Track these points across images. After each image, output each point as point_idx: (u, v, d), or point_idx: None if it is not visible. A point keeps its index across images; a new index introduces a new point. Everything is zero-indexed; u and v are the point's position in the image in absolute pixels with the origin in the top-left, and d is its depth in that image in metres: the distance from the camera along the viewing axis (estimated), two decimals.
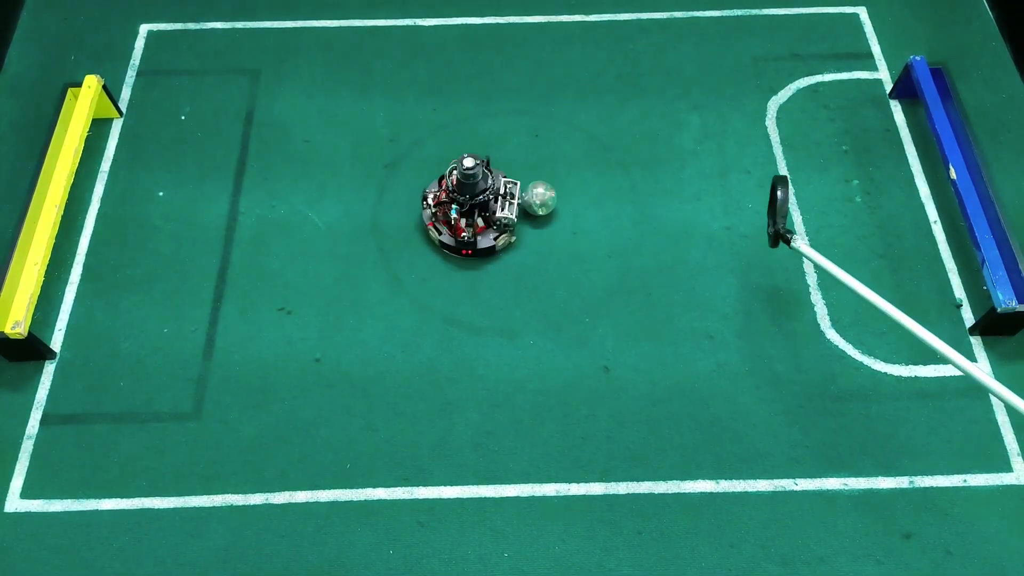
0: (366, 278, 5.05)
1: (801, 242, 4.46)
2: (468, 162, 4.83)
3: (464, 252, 5.02)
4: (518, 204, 5.05)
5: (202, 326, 4.87)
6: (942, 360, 4.74)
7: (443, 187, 5.03)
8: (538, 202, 5.13)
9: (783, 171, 5.41)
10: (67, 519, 4.31)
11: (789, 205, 4.79)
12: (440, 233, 5.02)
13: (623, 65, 5.92)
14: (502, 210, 4.99)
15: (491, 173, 5.03)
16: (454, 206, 4.95)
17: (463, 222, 4.96)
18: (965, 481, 4.39)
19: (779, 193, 4.53)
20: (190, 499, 4.35)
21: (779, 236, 4.54)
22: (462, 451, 4.48)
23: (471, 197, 4.92)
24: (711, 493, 4.37)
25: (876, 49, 5.96)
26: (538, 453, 4.47)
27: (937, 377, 4.69)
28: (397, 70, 5.91)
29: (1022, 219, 5.16)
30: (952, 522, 4.27)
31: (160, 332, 4.85)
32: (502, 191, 5.05)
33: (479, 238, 5.00)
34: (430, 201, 5.06)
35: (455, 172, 4.92)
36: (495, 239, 5.03)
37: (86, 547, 4.23)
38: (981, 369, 4.47)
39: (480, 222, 4.99)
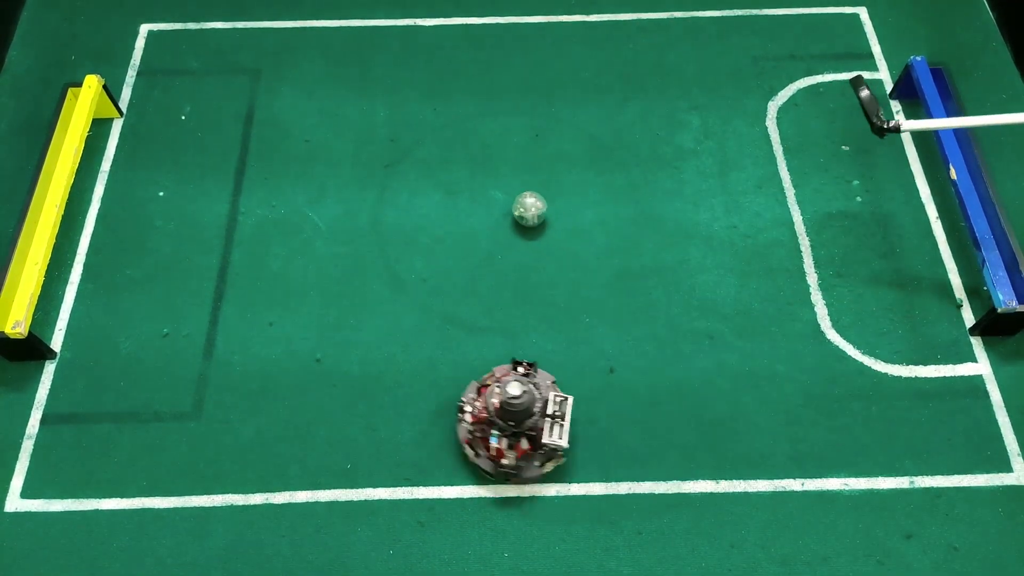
0: (366, 278, 5.04)
1: (908, 123, 4.52)
2: (513, 389, 4.00)
3: (504, 479, 4.34)
4: (568, 424, 4.22)
5: (202, 326, 4.87)
6: (943, 360, 4.75)
7: (482, 403, 4.24)
8: (529, 214, 5.03)
9: (783, 171, 5.41)
10: (67, 519, 4.31)
11: (863, 109, 4.61)
12: (477, 455, 4.29)
13: (623, 65, 5.92)
14: (550, 435, 4.15)
15: (536, 384, 4.24)
16: (494, 432, 4.19)
17: (504, 444, 4.19)
18: (965, 481, 4.39)
19: (861, 94, 4.50)
20: (190, 499, 4.35)
21: (885, 131, 4.54)
22: (462, 451, 4.47)
23: (516, 424, 4.15)
24: (711, 493, 4.37)
25: (876, 49, 5.96)
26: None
27: (937, 377, 4.69)
28: (397, 70, 5.91)
29: (1022, 219, 5.16)
30: (952, 522, 4.27)
31: (160, 332, 4.85)
32: (551, 409, 4.20)
33: (522, 463, 4.23)
34: (468, 420, 4.27)
35: (496, 395, 4.13)
36: (540, 466, 4.27)
37: (86, 547, 4.23)
38: None
39: (524, 443, 4.20)
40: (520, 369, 4.37)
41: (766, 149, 5.52)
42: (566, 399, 4.27)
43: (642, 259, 5.09)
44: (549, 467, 4.30)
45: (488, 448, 4.22)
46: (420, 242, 5.18)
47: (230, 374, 4.71)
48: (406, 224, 5.25)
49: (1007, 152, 5.46)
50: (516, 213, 5.08)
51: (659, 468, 4.43)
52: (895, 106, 5.69)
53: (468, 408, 4.30)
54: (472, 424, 4.27)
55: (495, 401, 4.13)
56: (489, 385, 4.32)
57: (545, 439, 4.14)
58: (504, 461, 4.18)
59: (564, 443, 4.15)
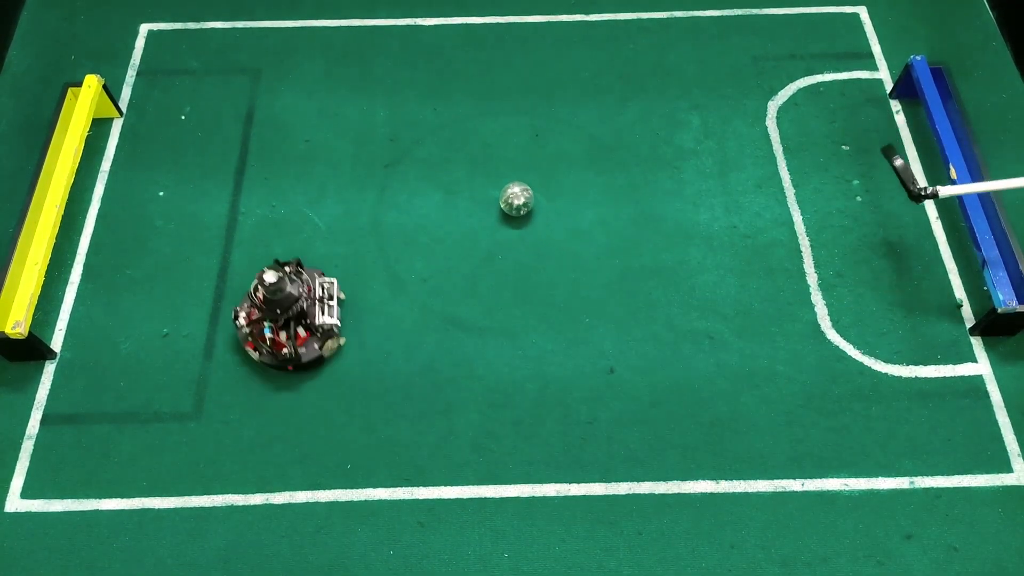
0: (366, 278, 5.04)
1: (944, 189, 4.61)
2: (269, 276, 4.31)
3: (289, 368, 4.61)
4: (338, 305, 4.64)
5: (202, 326, 4.87)
6: (943, 360, 4.75)
7: (253, 303, 4.50)
8: (514, 203, 5.08)
9: (783, 171, 5.41)
10: (67, 519, 4.31)
11: (899, 177, 4.70)
12: (261, 353, 4.57)
13: (623, 65, 5.92)
14: (322, 315, 4.56)
15: (302, 278, 4.57)
16: (267, 323, 4.48)
17: (282, 336, 4.50)
18: (965, 481, 4.39)
19: (896, 163, 4.60)
20: (190, 499, 4.35)
21: (923, 197, 4.62)
22: (462, 451, 4.48)
23: (282, 311, 4.45)
24: (711, 493, 4.37)
25: (876, 49, 5.96)
26: (538, 453, 4.47)
27: (937, 377, 4.69)
28: (397, 70, 5.91)
29: (1022, 219, 5.16)
30: (953, 522, 4.27)
31: (160, 332, 4.85)
32: (319, 294, 4.61)
33: (302, 350, 4.55)
34: (241, 320, 4.55)
35: (258, 289, 4.40)
36: (320, 348, 4.59)
37: (86, 547, 4.23)
38: None
39: (301, 331, 4.54)
40: (288, 269, 4.58)
41: (766, 149, 5.52)
42: (333, 282, 4.71)
43: (642, 259, 5.09)
44: (329, 348, 4.59)
45: (265, 341, 4.48)
46: (420, 242, 5.18)
47: (230, 374, 4.71)
48: (406, 224, 5.25)
49: (1007, 152, 5.46)
50: (503, 204, 5.12)
51: (659, 468, 4.43)
52: (895, 106, 5.69)
53: (241, 312, 4.58)
54: (247, 325, 4.54)
55: (259, 295, 4.39)
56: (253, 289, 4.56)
57: (318, 320, 4.53)
58: (284, 351, 4.48)
59: (335, 320, 4.56)
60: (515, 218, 5.19)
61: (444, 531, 4.27)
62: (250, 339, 4.59)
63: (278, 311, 4.44)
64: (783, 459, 4.45)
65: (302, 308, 4.49)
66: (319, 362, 4.65)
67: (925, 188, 4.64)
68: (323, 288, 4.66)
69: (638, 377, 4.70)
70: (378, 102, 5.75)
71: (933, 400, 4.61)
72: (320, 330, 4.56)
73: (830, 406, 4.60)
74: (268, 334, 4.48)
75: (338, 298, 4.68)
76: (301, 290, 4.48)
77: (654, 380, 4.69)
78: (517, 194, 5.10)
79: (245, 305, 4.64)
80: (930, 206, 5.28)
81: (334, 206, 5.32)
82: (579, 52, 5.98)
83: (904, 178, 4.66)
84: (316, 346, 4.58)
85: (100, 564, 4.19)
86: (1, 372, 4.73)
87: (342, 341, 4.65)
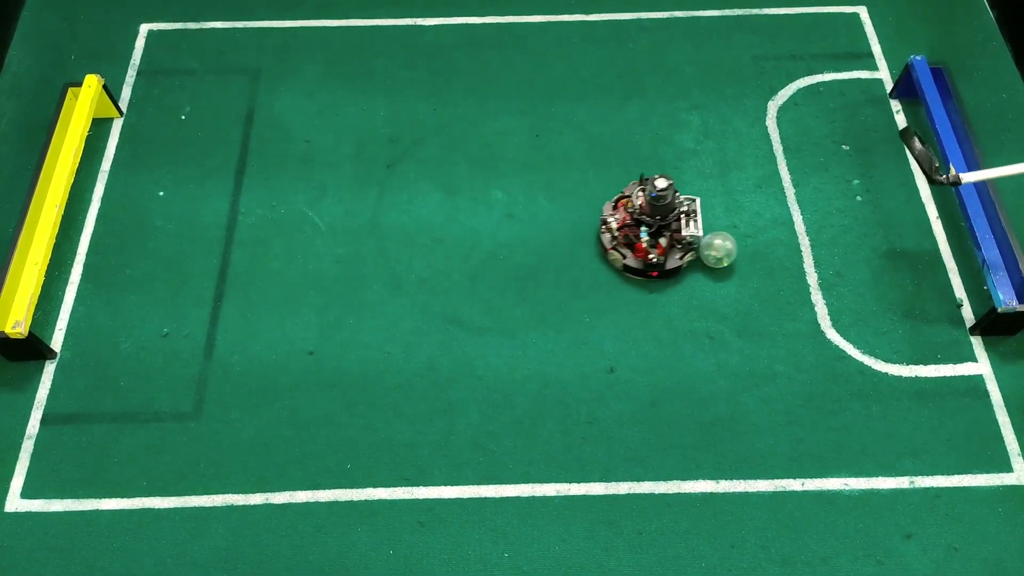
0: (366, 278, 5.04)
1: (966, 175, 4.57)
2: (661, 183, 4.67)
3: (652, 274, 4.90)
4: (700, 218, 4.92)
5: (202, 326, 4.87)
6: (943, 360, 4.75)
7: (626, 208, 4.92)
8: (716, 255, 4.92)
9: (783, 171, 5.41)
10: (67, 519, 4.31)
11: (918, 163, 4.59)
12: (624, 256, 4.90)
13: (623, 65, 5.92)
14: (687, 227, 4.85)
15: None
16: (643, 228, 4.82)
17: (646, 243, 4.84)
18: (965, 481, 4.39)
19: (915, 147, 4.51)
20: (190, 499, 4.35)
21: (944, 184, 4.55)
22: (462, 451, 4.48)
23: (662, 218, 4.78)
24: (711, 493, 4.37)
25: (876, 49, 5.96)
26: (538, 453, 4.47)
27: (937, 377, 4.69)
28: (397, 70, 5.91)
29: (1022, 219, 5.16)
30: (953, 522, 4.27)
31: (160, 332, 4.85)
32: (684, 208, 4.91)
33: (663, 259, 4.86)
34: (612, 224, 4.93)
35: (642, 193, 4.79)
36: (681, 258, 4.89)
37: (86, 547, 4.23)
38: None
39: (663, 242, 4.85)
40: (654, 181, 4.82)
41: (766, 149, 5.51)
42: (694, 200, 4.97)
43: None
44: (687, 259, 4.90)
45: (637, 246, 4.83)
46: (420, 242, 5.18)
47: (230, 374, 4.71)
48: (406, 224, 5.25)
49: (1007, 152, 5.46)
50: (708, 254, 4.95)
51: (659, 468, 4.43)
52: (895, 106, 5.69)
53: (611, 218, 4.96)
54: (618, 230, 4.90)
55: (640, 201, 4.80)
56: (626, 198, 4.99)
57: (685, 232, 4.83)
58: (651, 257, 4.80)
59: (700, 232, 4.85)
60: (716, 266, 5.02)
61: (444, 531, 4.27)
62: (614, 243, 4.92)
63: (658, 217, 4.76)
64: (783, 459, 4.45)
65: (677, 217, 4.82)
66: (675, 272, 4.92)
67: (946, 175, 4.54)
68: (686, 204, 4.94)
69: (638, 377, 4.70)
70: (378, 102, 5.75)
71: (933, 400, 4.61)
72: (683, 241, 4.85)
73: (830, 406, 4.60)
74: (645, 237, 4.79)
75: (699, 212, 4.95)
76: (677, 201, 4.80)
77: (654, 380, 4.69)
78: (718, 246, 4.93)
79: (610, 210, 5.01)
80: (930, 206, 5.28)
81: (334, 206, 5.32)
82: (579, 52, 5.98)
83: (923, 164, 4.53)
84: (678, 256, 4.87)
85: (100, 564, 4.19)
86: (1, 372, 4.73)
87: (694, 256, 4.94)
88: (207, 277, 5.04)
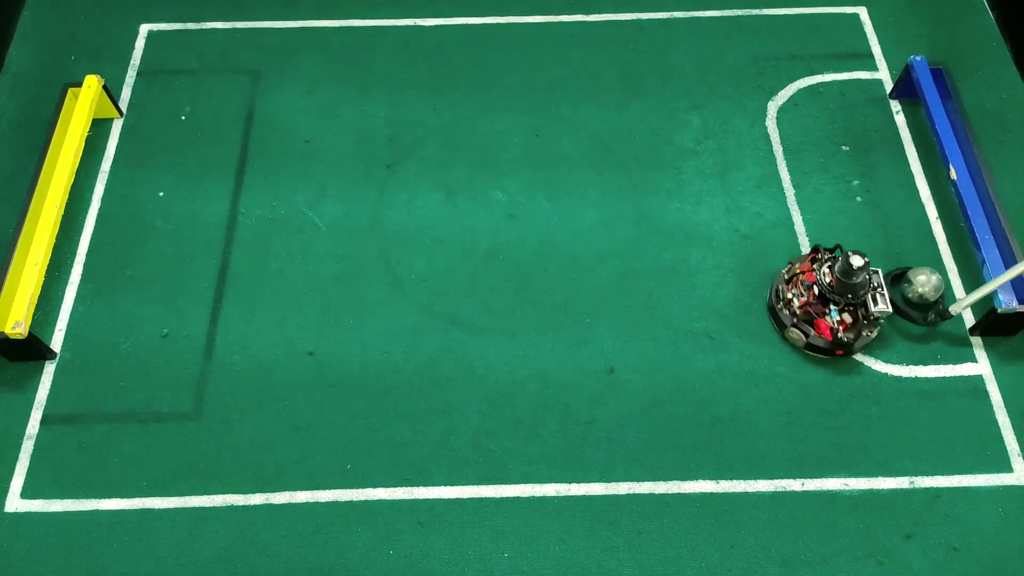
0: (366, 278, 5.04)
1: (959, 306, 4.66)
2: (857, 260, 4.36)
3: (838, 352, 4.64)
4: (887, 292, 4.59)
5: (202, 326, 4.87)
6: (943, 360, 4.75)
7: (803, 283, 4.62)
8: (927, 291, 4.77)
9: (783, 171, 5.41)
10: (67, 519, 4.31)
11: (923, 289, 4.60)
12: (807, 335, 4.61)
13: (623, 65, 5.92)
14: (875, 304, 4.53)
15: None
16: (832, 307, 4.54)
17: (836, 323, 4.57)
18: (965, 481, 4.39)
19: (920, 290, 4.56)
20: (190, 499, 4.35)
21: (936, 324, 4.69)
22: (462, 451, 4.48)
23: (853, 296, 4.49)
24: (711, 493, 4.37)
25: (876, 49, 5.96)
26: (538, 453, 4.47)
27: (937, 377, 4.69)
28: (397, 70, 5.91)
29: (1022, 219, 5.16)
30: (953, 522, 4.27)
31: (160, 332, 4.85)
32: (874, 282, 4.60)
33: (851, 335, 4.57)
34: (795, 303, 4.63)
35: (828, 270, 4.51)
36: (869, 334, 4.61)
37: (86, 547, 4.23)
38: None
39: (847, 317, 4.57)
40: (822, 254, 4.68)
41: (766, 149, 5.52)
42: (876, 271, 4.65)
43: (642, 259, 5.09)
44: (872, 335, 4.61)
45: (820, 323, 4.56)
46: (420, 242, 5.18)
47: (230, 374, 4.71)
48: (406, 224, 5.25)
49: (1007, 152, 5.46)
50: (915, 292, 4.81)
51: (659, 468, 4.43)
52: (895, 106, 5.69)
53: (792, 296, 4.66)
54: (799, 308, 4.61)
55: (828, 278, 4.51)
56: (796, 275, 4.70)
57: (873, 308, 4.51)
58: (843, 337, 4.53)
59: (889, 308, 4.53)
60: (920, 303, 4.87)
61: (444, 531, 4.27)
62: (795, 321, 4.62)
63: (849, 296, 4.48)
64: (783, 459, 4.45)
65: (865, 294, 4.53)
66: (858, 349, 4.66)
67: (937, 315, 4.61)
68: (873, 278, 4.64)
69: (638, 377, 4.70)
70: (378, 102, 5.75)
71: (933, 400, 4.61)
72: (872, 318, 4.55)
73: (830, 406, 4.60)
74: (836, 317, 4.53)
75: (885, 285, 4.64)
76: (871, 279, 4.54)
77: (654, 380, 4.69)
78: (924, 282, 4.80)
79: (787, 287, 4.70)
80: (930, 206, 5.28)
81: (334, 206, 5.32)
82: (579, 52, 5.98)
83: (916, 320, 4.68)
84: (865, 332, 4.59)
85: (100, 564, 4.18)
86: (1, 372, 4.73)
87: (877, 332, 4.67)
88: (207, 277, 5.04)
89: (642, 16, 6.15)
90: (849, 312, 4.57)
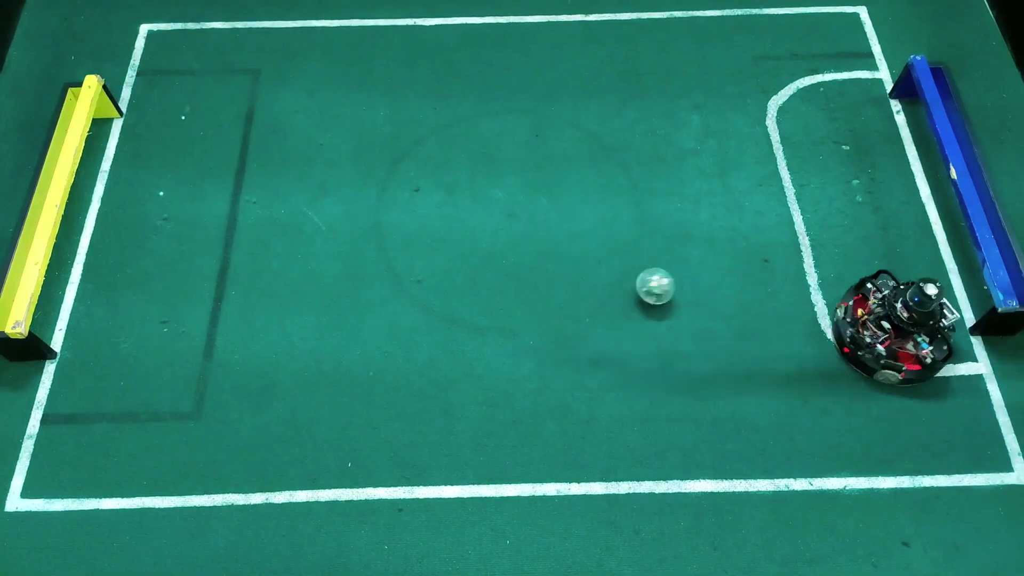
0: (366, 278, 5.04)
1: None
2: (932, 289, 4.36)
3: (910, 380, 4.63)
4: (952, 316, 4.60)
5: (202, 326, 4.87)
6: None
7: (872, 321, 4.59)
8: (656, 292, 4.80)
9: (783, 171, 5.40)
10: (68, 518, 4.31)
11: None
12: (900, 372, 4.55)
13: (623, 64, 5.92)
14: (945, 320, 4.55)
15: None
16: (921, 340, 4.54)
17: (920, 350, 4.57)
18: (965, 481, 4.38)
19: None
20: (190, 499, 4.35)
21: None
22: (462, 451, 4.48)
23: (934, 321, 4.51)
24: (711, 493, 4.37)
25: (876, 49, 5.96)
26: (538, 453, 4.47)
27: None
28: (397, 69, 5.91)
29: (1022, 219, 5.16)
30: (952, 522, 4.27)
31: (160, 332, 4.85)
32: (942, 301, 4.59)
33: (943, 356, 4.57)
34: (880, 349, 4.56)
35: (905, 306, 4.48)
36: (942, 359, 4.59)
37: (87, 546, 4.23)
38: None
39: (910, 347, 4.57)
40: (871, 284, 4.67)
41: (766, 148, 5.51)
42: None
43: (642, 259, 5.09)
44: (943, 365, 4.58)
45: (904, 355, 4.54)
46: (420, 242, 5.18)
47: (230, 374, 4.71)
48: (406, 224, 5.25)
49: (1007, 152, 5.46)
50: (643, 291, 4.84)
51: (659, 468, 4.43)
52: (895, 106, 5.69)
53: (870, 337, 4.57)
54: (885, 351, 4.54)
55: (905, 315, 4.47)
56: (863, 318, 4.61)
57: (945, 323, 4.51)
58: (930, 358, 4.50)
59: (956, 314, 4.54)
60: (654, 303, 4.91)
61: (444, 531, 4.27)
62: (883, 363, 4.54)
63: (931, 323, 4.49)
64: (783, 459, 4.45)
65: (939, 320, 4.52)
66: (930, 374, 4.62)
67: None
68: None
69: (638, 376, 4.69)
70: (378, 102, 5.75)
71: (933, 400, 4.61)
72: (946, 329, 4.57)
73: (830, 406, 4.60)
74: (927, 348, 4.51)
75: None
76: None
77: (654, 380, 4.69)
78: (654, 283, 4.83)
79: (859, 331, 4.60)
80: (930, 206, 5.28)
81: (334, 206, 5.32)
82: (579, 52, 5.97)
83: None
84: (946, 345, 4.57)
85: (100, 563, 4.19)
86: (1, 372, 4.73)
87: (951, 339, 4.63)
88: (207, 277, 5.04)
89: (642, 16, 6.15)
90: (929, 335, 4.57)
